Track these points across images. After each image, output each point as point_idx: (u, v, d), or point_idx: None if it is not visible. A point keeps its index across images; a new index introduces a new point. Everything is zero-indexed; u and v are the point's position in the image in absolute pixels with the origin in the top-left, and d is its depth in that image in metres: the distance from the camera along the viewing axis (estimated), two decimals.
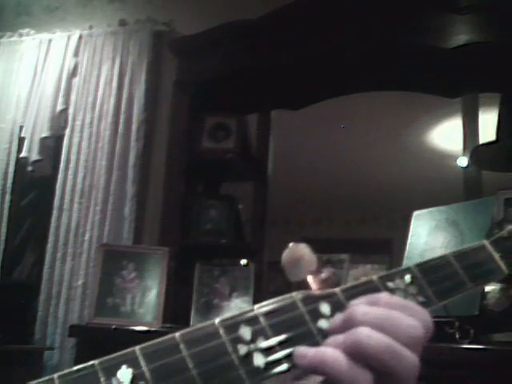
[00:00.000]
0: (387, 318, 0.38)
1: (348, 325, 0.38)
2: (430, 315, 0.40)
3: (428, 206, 1.88)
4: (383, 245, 4.53)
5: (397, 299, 0.40)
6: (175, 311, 2.36)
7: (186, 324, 2.31)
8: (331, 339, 0.38)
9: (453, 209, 1.81)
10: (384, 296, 0.40)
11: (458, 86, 2.54)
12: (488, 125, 2.35)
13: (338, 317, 0.39)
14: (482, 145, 2.39)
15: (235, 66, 2.65)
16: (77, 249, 2.79)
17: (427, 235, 1.83)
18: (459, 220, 1.76)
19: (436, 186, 3.76)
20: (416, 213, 1.90)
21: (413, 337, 0.38)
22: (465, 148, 2.52)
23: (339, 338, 0.38)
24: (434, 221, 1.83)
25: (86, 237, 2.78)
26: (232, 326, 0.38)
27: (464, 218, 1.75)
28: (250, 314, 0.39)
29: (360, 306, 0.39)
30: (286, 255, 0.44)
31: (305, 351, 0.37)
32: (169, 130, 2.79)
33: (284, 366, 0.38)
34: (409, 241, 1.87)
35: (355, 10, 2.44)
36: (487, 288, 1.65)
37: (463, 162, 2.52)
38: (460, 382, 1.54)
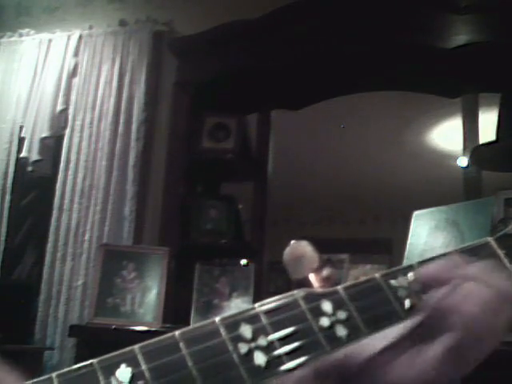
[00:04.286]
0: None
1: None
2: None
3: (428, 206, 1.88)
4: (383, 245, 4.54)
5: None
6: (175, 311, 2.35)
7: (186, 324, 2.30)
8: None
9: (453, 209, 1.81)
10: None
11: (458, 86, 2.54)
12: (488, 125, 2.35)
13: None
14: (482, 145, 2.39)
15: (235, 65, 2.64)
16: (77, 249, 2.79)
17: (427, 235, 1.83)
18: (459, 220, 1.76)
19: (436, 186, 3.76)
20: (416, 213, 1.90)
21: None
22: (465, 148, 2.52)
23: None
24: (434, 221, 1.83)
25: (86, 237, 2.78)
26: (232, 324, 0.38)
27: (464, 218, 1.75)
28: (251, 312, 0.39)
29: None
30: (287, 253, 0.43)
31: None
32: (169, 130, 2.79)
33: (286, 366, 0.37)
34: (409, 241, 1.87)
35: (355, 10, 2.44)
36: None
37: (463, 161, 2.52)
38: (460, 381, 1.53)
